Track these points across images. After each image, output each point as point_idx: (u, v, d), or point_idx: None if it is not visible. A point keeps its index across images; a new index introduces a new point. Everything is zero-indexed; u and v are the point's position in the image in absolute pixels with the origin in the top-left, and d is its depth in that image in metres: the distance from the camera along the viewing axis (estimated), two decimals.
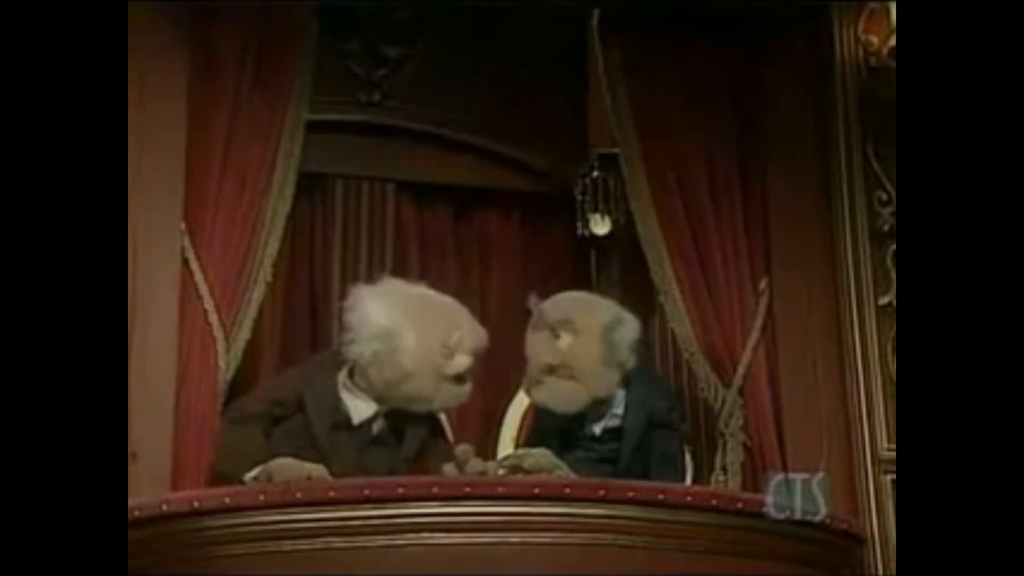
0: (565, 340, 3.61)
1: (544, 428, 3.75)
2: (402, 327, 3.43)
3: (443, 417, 3.76)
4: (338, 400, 3.46)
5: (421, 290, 3.62)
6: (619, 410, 3.66)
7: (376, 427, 3.48)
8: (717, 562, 3.06)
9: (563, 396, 3.62)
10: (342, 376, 3.48)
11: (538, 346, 3.64)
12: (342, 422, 3.45)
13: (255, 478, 3.20)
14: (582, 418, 3.67)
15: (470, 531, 2.90)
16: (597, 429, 3.66)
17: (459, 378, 3.49)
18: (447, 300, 3.60)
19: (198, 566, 2.97)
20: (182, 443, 3.60)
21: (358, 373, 3.46)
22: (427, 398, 3.46)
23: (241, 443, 3.37)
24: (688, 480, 3.78)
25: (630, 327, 3.67)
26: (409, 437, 3.49)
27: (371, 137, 4.61)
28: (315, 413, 3.44)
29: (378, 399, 3.46)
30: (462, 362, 3.47)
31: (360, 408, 3.46)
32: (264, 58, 3.95)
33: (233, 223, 3.81)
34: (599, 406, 3.65)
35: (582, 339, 3.59)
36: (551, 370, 3.62)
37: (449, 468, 3.21)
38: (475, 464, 3.20)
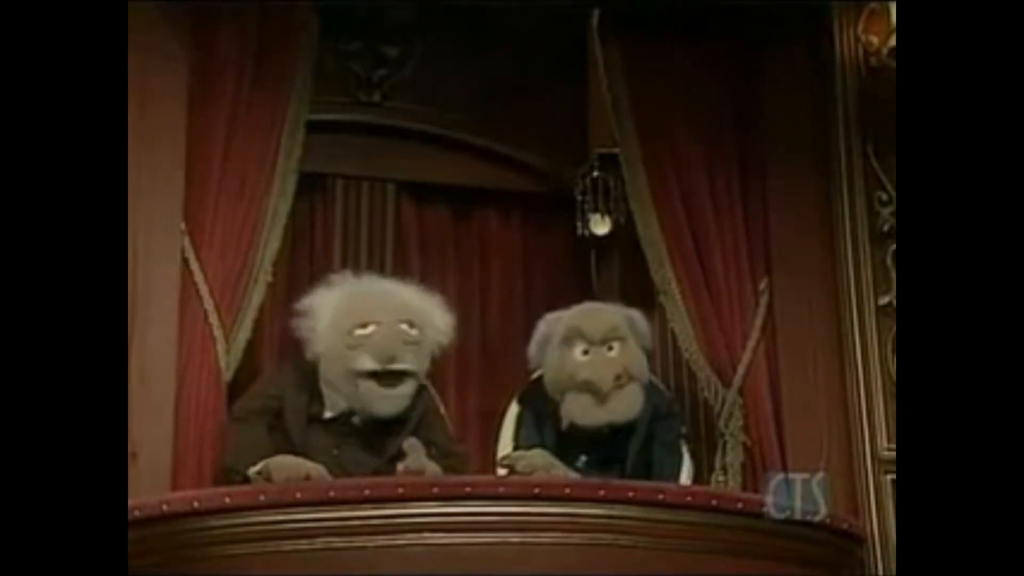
0: (616, 349, 3.59)
1: (542, 429, 3.73)
2: (322, 307, 3.44)
3: (442, 410, 3.76)
4: (316, 394, 3.46)
5: (385, 284, 3.60)
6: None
7: (357, 420, 3.45)
8: (717, 562, 3.06)
9: (628, 402, 3.59)
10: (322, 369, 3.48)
11: (599, 364, 3.56)
12: (315, 416, 3.44)
13: (258, 472, 3.20)
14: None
15: (470, 531, 2.91)
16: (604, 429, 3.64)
17: (382, 378, 3.37)
18: (401, 299, 3.51)
19: (198, 566, 2.97)
20: (182, 443, 3.60)
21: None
22: (344, 392, 3.39)
23: (246, 441, 3.36)
24: (688, 477, 3.77)
25: (639, 315, 3.70)
26: (397, 430, 3.45)
27: (371, 137, 4.61)
28: (292, 407, 3.44)
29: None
30: (364, 361, 3.35)
31: (337, 402, 3.45)
32: (264, 58, 3.95)
33: (233, 223, 3.81)
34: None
35: (628, 342, 3.60)
36: (616, 381, 3.58)
37: (401, 466, 3.20)
38: (414, 460, 3.19)
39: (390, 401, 3.40)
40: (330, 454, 3.33)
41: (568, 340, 3.61)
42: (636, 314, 3.71)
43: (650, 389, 3.68)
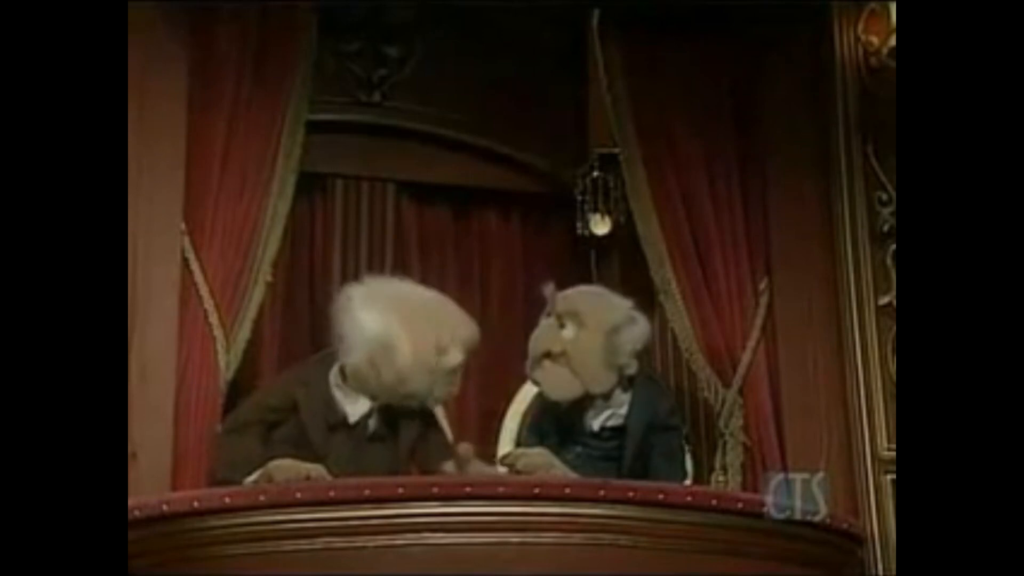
0: (569, 331, 3.61)
1: (544, 422, 3.75)
2: (397, 331, 3.42)
3: (437, 409, 3.78)
4: (331, 400, 3.46)
5: (408, 288, 3.63)
6: (622, 410, 3.67)
7: (372, 423, 3.47)
8: (717, 562, 3.06)
9: (558, 383, 3.62)
10: (333, 376, 3.48)
11: (542, 332, 3.64)
12: (337, 422, 3.45)
13: (255, 482, 3.19)
14: (582, 413, 3.66)
15: (470, 531, 2.90)
16: (596, 425, 3.66)
17: (452, 370, 3.49)
18: (434, 295, 3.61)
19: (198, 566, 2.97)
20: (182, 443, 3.60)
21: (350, 373, 3.46)
22: (423, 395, 3.46)
23: (238, 452, 3.37)
24: (688, 480, 3.78)
25: (638, 330, 3.66)
26: (404, 431, 3.49)
27: (371, 137, 4.61)
28: (309, 415, 3.43)
29: (371, 396, 3.46)
30: (456, 357, 3.46)
31: (355, 406, 3.47)
32: (264, 58, 3.95)
33: (233, 223, 3.81)
34: (597, 401, 3.65)
35: (586, 333, 3.60)
36: (550, 357, 3.61)
37: (450, 467, 3.20)
38: (476, 466, 3.20)
39: (452, 386, 3.53)
40: (354, 459, 3.36)
41: (547, 312, 3.64)
42: (640, 318, 3.68)
43: (649, 394, 3.67)
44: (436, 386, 3.47)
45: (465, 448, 3.26)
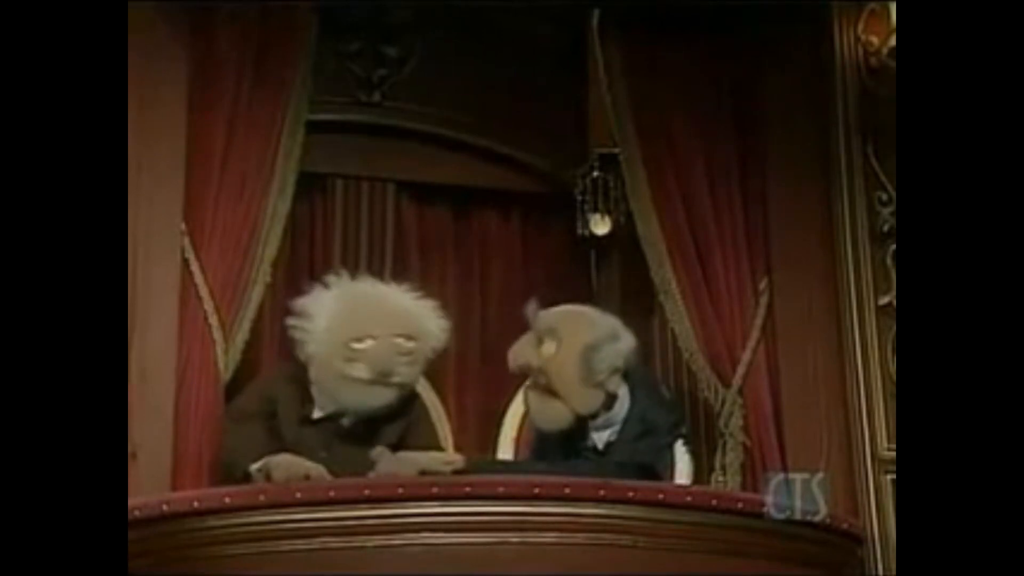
0: (547, 348, 3.54)
1: (546, 436, 3.72)
2: (318, 311, 3.45)
3: (433, 405, 3.79)
4: (308, 395, 3.47)
5: (381, 291, 3.60)
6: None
7: (347, 421, 3.46)
8: (717, 562, 3.06)
9: (547, 415, 3.57)
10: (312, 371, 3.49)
11: (521, 347, 3.59)
12: (308, 416, 3.46)
13: (259, 470, 3.20)
14: (584, 432, 3.63)
15: (470, 531, 2.91)
16: (600, 443, 3.62)
17: (373, 382, 3.41)
18: (397, 310, 3.52)
19: (198, 566, 2.97)
20: (182, 443, 3.61)
21: (313, 372, 3.46)
22: (331, 393, 3.42)
23: (244, 441, 3.37)
24: (688, 477, 3.76)
25: (618, 347, 3.54)
26: (386, 432, 3.45)
27: (371, 137, 4.61)
28: (284, 408, 3.45)
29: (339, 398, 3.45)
30: (360, 371, 3.38)
31: (326, 402, 3.46)
32: (264, 58, 3.95)
33: (233, 223, 3.81)
34: (598, 420, 3.60)
35: (563, 351, 3.50)
36: (530, 375, 3.57)
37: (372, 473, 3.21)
38: (385, 465, 3.18)
39: (378, 394, 3.42)
40: (320, 455, 3.32)
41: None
42: (624, 335, 3.59)
43: (647, 407, 3.63)
44: (346, 391, 3.40)
45: (378, 451, 3.25)
